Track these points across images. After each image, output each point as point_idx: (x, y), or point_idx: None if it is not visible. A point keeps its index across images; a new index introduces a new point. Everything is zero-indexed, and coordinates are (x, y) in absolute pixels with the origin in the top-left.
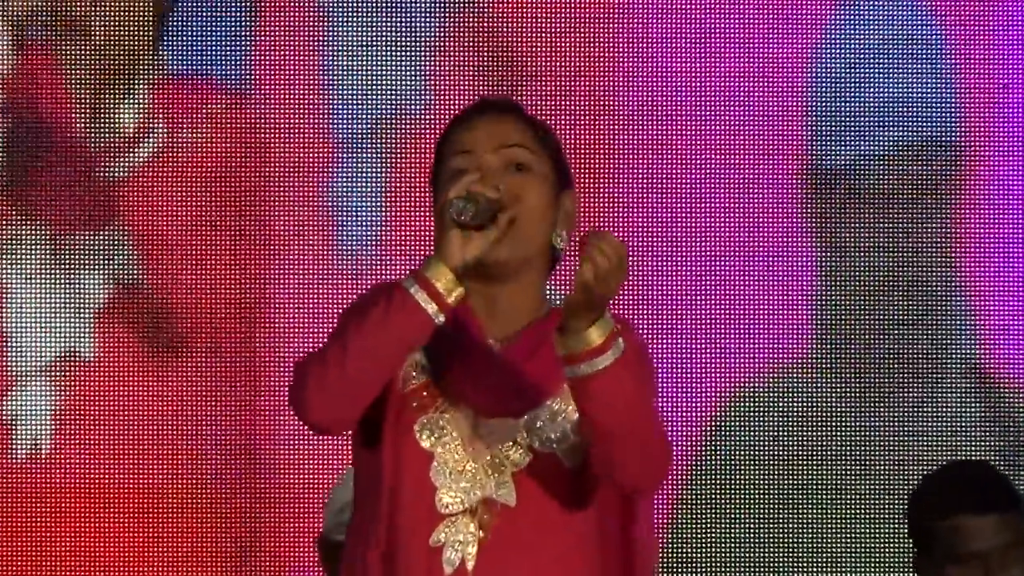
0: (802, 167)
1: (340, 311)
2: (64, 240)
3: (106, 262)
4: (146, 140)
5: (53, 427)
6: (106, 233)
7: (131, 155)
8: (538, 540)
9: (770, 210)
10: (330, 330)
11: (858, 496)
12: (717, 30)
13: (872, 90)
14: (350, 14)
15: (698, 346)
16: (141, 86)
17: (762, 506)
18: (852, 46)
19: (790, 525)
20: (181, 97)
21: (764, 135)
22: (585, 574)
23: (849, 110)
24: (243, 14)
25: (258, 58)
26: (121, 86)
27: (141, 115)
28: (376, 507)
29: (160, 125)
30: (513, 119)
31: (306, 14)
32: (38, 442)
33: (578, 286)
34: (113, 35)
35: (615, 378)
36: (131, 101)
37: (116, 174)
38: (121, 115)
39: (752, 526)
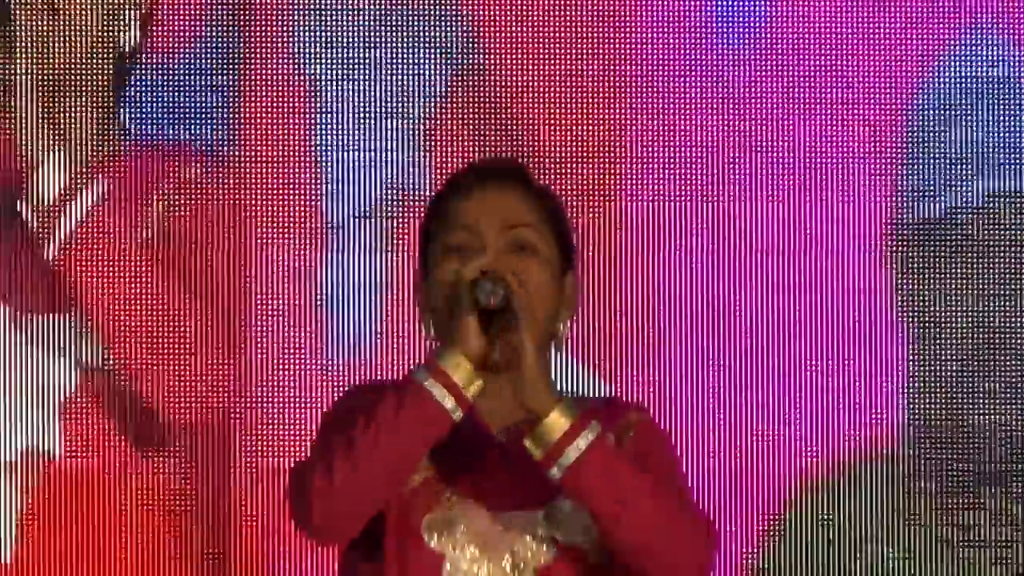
0: (892, 219)
1: (331, 399)
2: (24, 325)
3: (69, 348)
4: (73, 203)
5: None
6: (67, 316)
7: (61, 220)
8: None
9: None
10: (317, 423)
11: None
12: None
13: (973, 134)
14: (340, 81)
15: (779, 417)
16: (81, 148)
17: None
18: (955, 87)
19: None
20: (146, 164)
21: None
22: None
23: (946, 157)
24: (223, 85)
25: (240, 127)
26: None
27: (70, 175)
28: None
29: (98, 184)
30: (520, 192)
31: (291, 83)
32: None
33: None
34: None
35: (598, 467)
36: (66, 162)
37: (54, 243)
38: (53, 177)
39: None
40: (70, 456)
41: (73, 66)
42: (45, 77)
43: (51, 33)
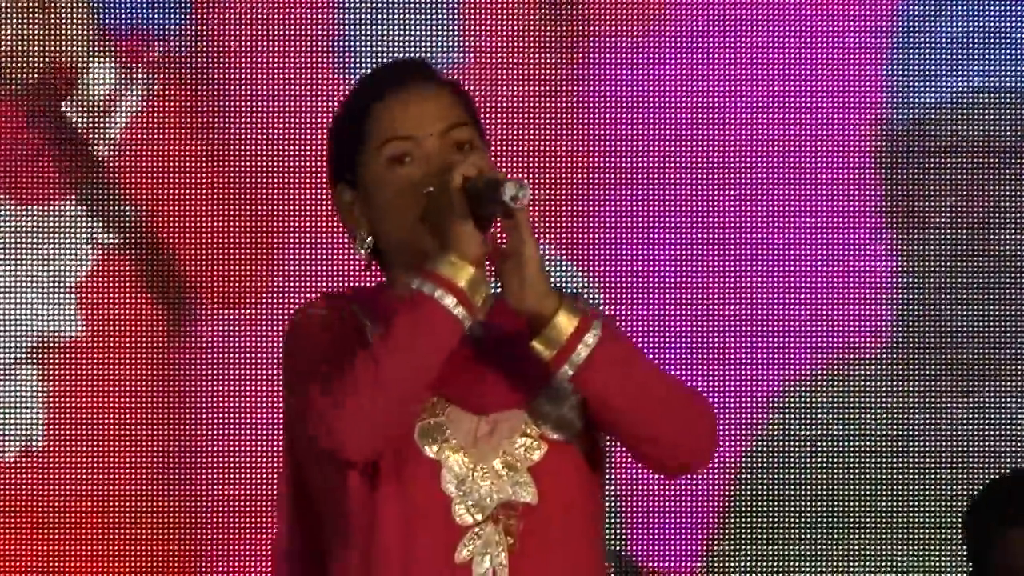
0: (877, 128)
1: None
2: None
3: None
4: (125, 97)
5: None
6: (80, 198)
7: (112, 116)
8: (566, 537)
9: (842, 184)
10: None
11: (923, 498)
12: None
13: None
14: None
15: (762, 335)
16: (92, 39)
17: (816, 506)
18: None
19: (844, 525)
20: (137, 46)
21: (837, 102)
22: (602, 569)
23: (930, 55)
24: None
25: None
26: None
27: (113, 72)
28: (380, 530)
29: (139, 78)
30: (440, 90)
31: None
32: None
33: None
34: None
35: (609, 361)
36: (96, 58)
37: (105, 139)
38: (89, 74)
39: (805, 528)
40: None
41: None
42: None
43: None
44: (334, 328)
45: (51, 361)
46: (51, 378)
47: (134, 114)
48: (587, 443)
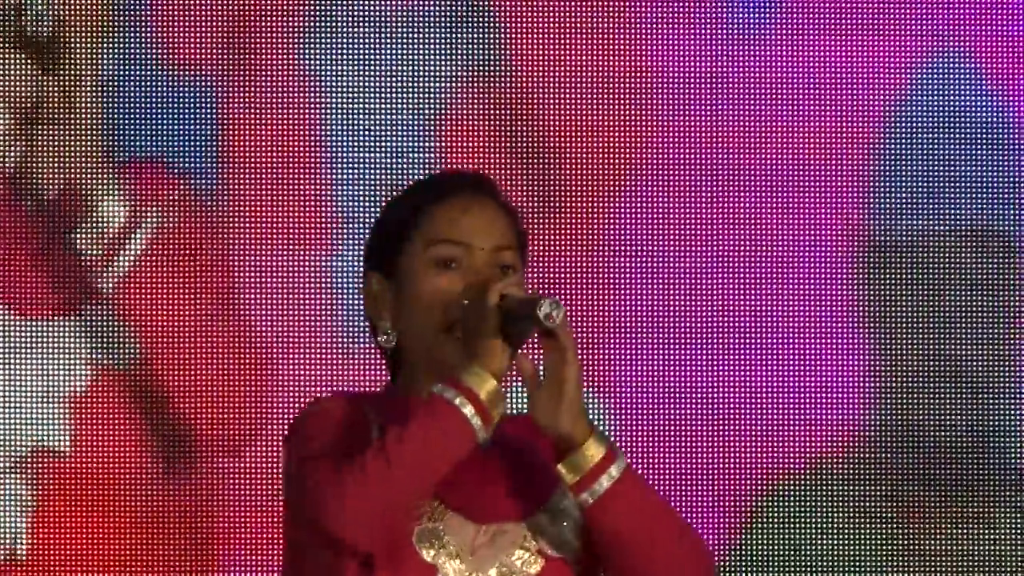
0: (861, 237)
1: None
2: (36, 327)
3: (83, 347)
4: (139, 229)
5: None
6: (82, 316)
7: (127, 246)
8: None
9: (824, 278)
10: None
11: None
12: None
13: (938, 166)
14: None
15: (746, 425)
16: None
17: None
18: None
19: None
20: (152, 181)
21: (823, 201)
22: None
23: (913, 183)
24: (214, 95)
25: (238, 135)
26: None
27: (128, 203)
28: None
29: (152, 213)
30: (501, 210)
31: (300, 80)
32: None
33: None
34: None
35: (628, 496)
36: (111, 187)
37: (111, 273)
38: (105, 203)
39: None
40: (80, 454)
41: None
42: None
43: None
44: (344, 421)
45: (39, 472)
46: (38, 487)
47: (142, 250)
48: (584, 563)
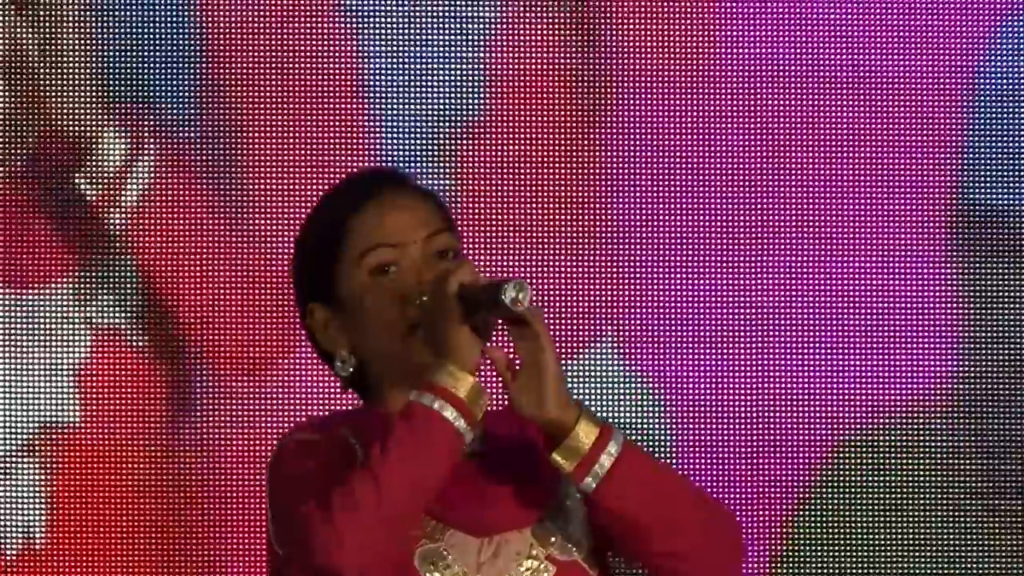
0: (952, 203)
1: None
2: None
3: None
4: (137, 167)
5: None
6: (72, 283)
7: (126, 186)
8: None
9: (915, 245)
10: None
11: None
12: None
13: None
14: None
15: (828, 381)
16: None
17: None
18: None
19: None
20: (146, 119)
21: (914, 166)
22: None
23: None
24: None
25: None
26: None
27: (125, 138)
28: None
29: (150, 144)
30: (416, 197)
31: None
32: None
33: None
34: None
35: (635, 470)
36: (106, 129)
37: (120, 208)
38: (102, 142)
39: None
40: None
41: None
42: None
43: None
44: (322, 454)
45: (51, 450)
46: (51, 468)
47: (147, 182)
48: (597, 561)
